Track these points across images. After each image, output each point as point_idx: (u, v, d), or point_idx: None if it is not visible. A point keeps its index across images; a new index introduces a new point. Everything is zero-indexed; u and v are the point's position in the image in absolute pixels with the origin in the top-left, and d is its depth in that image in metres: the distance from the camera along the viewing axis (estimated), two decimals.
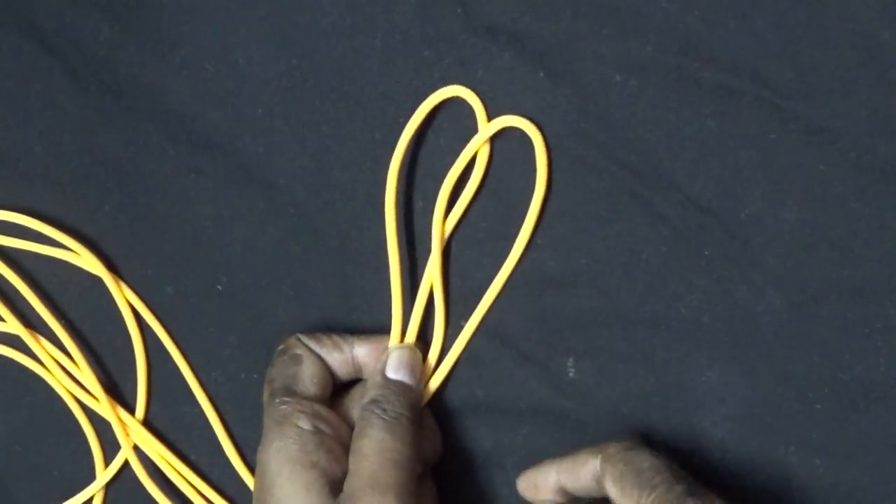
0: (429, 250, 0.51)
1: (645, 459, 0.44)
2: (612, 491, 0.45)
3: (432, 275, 0.51)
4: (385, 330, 0.52)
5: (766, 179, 0.47)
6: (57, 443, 0.57)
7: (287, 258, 0.53)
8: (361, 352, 0.51)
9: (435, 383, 0.51)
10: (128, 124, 0.55)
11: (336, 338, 0.51)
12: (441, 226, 0.50)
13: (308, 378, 0.50)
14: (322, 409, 0.49)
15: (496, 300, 0.51)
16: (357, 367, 0.51)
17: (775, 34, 0.47)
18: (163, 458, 0.56)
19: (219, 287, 0.54)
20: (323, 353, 0.51)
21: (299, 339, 0.51)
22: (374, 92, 0.52)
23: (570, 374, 0.50)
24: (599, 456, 0.45)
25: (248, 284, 0.54)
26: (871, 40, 0.46)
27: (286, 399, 0.49)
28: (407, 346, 0.51)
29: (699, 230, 0.48)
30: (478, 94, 0.50)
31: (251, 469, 0.55)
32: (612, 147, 0.49)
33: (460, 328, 0.51)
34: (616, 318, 0.50)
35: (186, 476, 0.56)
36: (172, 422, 0.56)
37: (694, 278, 0.48)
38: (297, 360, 0.50)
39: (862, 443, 0.47)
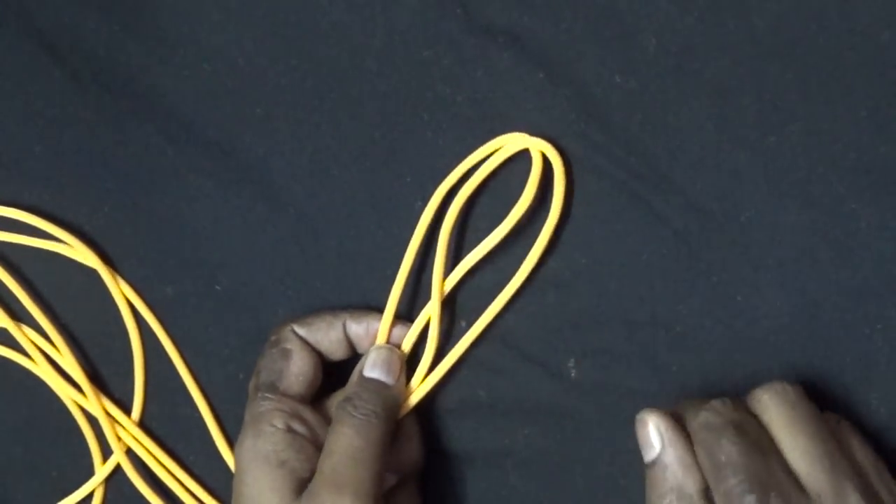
0: (429, 253, 0.51)
1: (724, 448, 0.43)
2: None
3: (436, 281, 0.50)
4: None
5: (765, 180, 0.47)
6: (56, 443, 0.57)
7: (287, 258, 0.53)
8: (355, 329, 0.51)
9: (427, 387, 0.51)
10: (128, 124, 0.55)
11: (329, 317, 0.51)
12: (447, 236, 0.50)
13: (294, 375, 0.50)
14: (302, 409, 0.50)
15: (497, 301, 0.51)
16: (350, 345, 0.51)
17: (775, 34, 0.47)
18: (156, 459, 0.56)
19: (218, 287, 0.54)
20: (317, 337, 0.51)
21: (293, 331, 0.51)
22: (374, 92, 0.52)
23: (572, 375, 0.50)
24: (689, 427, 0.44)
25: (248, 284, 0.54)
26: (871, 40, 0.46)
27: (268, 395, 0.49)
28: (385, 347, 0.51)
29: (699, 232, 0.48)
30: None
31: None
32: (611, 148, 0.49)
33: (463, 331, 0.51)
34: (617, 318, 0.49)
35: (179, 477, 0.56)
36: (170, 423, 0.56)
37: (694, 280, 0.48)
38: (286, 354, 0.50)
39: None
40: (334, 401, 0.51)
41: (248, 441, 0.49)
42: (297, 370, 0.50)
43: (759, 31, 0.47)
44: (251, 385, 0.51)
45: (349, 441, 0.47)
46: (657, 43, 0.48)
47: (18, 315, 0.57)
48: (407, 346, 0.51)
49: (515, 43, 0.49)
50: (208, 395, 0.55)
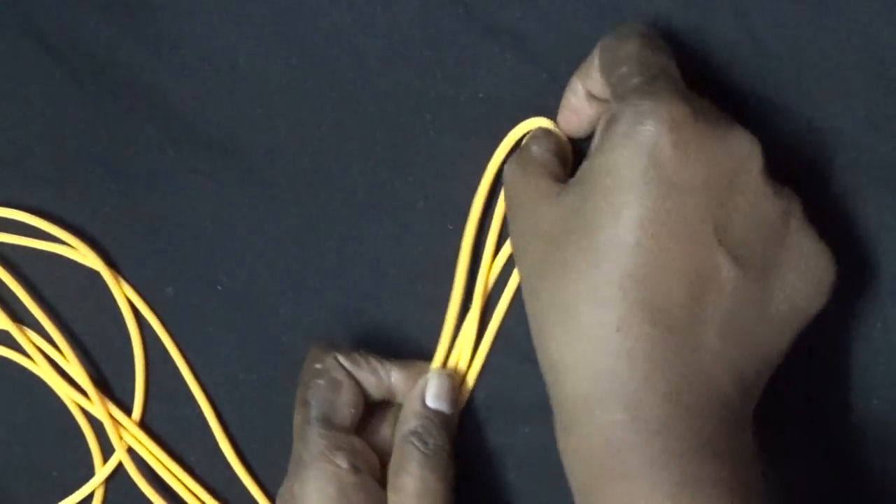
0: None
1: (628, 49, 0.44)
2: (600, 79, 0.45)
3: (478, 293, 0.51)
4: (384, 329, 0.52)
5: None
6: (56, 443, 0.57)
7: (287, 258, 0.53)
8: (397, 377, 0.50)
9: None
10: (128, 124, 0.55)
11: (374, 361, 0.49)
12: (493, 251, 0.50)
13: (345, 406, 0.48)
14: (357, 443, 0.48)
15: (497, 300, 0.51)
16: (391, 392, 0.50)
17: (775, 34, 0.47)
18: (158, 459, 0.56)
19: (219, 287, 0.54)
20: (360, 375, 0.49)
21: (337, 360, 0.49)
22: (374, 92, 0.52)
23: None
24: (598, 47, 0.45)
25: (248, 284, 0.54)
26: (871, 40, 0.46)
27: (323, 431, 0.48)
28: (446, 373, 0.50)
29: None
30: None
31: (249, 470, 0.55)
32: None
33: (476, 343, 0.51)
34: None
35: (181, 478, 0.56)
36: (171, 423, 0.56)
37: None
38: (335, 385, 0.48)
39: (862, 443, 0.47)
40: (379, 422, 0.50)
41: (311, 483, 0.47)
42: (348, 401, 0.48)
43: (759, 31, 0.47)
44: (298, 418, 0.49)
45: (426, 483, 0.46)
46: None
47: (20, 316, 0.57)
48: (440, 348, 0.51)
49: (518, 42, 0.49)
50: (209, 395, 0.55)
